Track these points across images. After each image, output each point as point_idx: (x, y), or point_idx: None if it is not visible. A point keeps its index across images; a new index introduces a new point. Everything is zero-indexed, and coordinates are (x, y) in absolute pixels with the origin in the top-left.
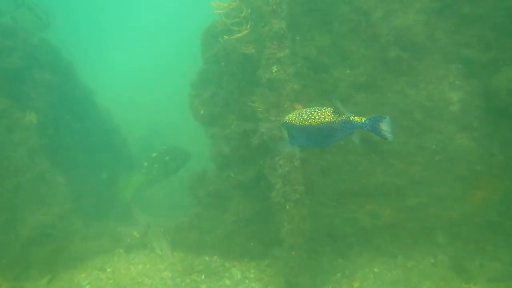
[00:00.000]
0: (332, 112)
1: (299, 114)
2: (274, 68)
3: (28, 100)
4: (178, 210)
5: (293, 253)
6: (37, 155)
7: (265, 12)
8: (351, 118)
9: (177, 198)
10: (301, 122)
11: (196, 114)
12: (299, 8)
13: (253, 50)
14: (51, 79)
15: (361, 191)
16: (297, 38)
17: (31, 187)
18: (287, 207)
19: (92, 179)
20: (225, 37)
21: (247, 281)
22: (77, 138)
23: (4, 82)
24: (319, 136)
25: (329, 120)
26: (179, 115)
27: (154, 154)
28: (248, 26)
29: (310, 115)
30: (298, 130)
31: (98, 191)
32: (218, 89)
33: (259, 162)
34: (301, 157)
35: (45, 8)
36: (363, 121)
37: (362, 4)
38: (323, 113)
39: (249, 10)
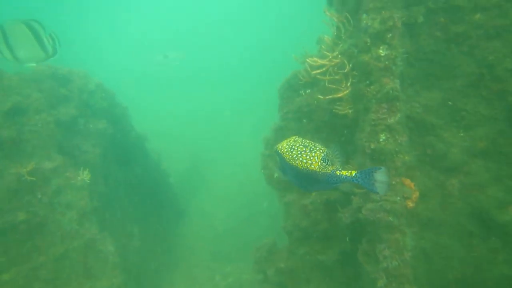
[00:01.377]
0: (321, 159)
1: (291, 147)
2: (382, 137)
3: (80, 153)
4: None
5: None
6: (86, 219)
7: (373, 68)
8: (338, 172)
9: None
10: (289, 159)
11: (269, 176)
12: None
13: (350, 110)
14: (105, 128)
15: (475, 284)
16: None
17: (78, 257)
18: None
19: (143, 239)
20: (319, 96)
21: None
22: (127, 191)
23: (58, 135)
24: (303, 179)
25: (314, 169)
26: (223, 152)
27: None
28: (349, 85)
29: (299, 154)
30: (286, 164)
31: (150, 253)
32: None
33: (345, 240)
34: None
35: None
36: (353, 174)
37: (487, 54)
38: (311, 158)
39: (351, 65)
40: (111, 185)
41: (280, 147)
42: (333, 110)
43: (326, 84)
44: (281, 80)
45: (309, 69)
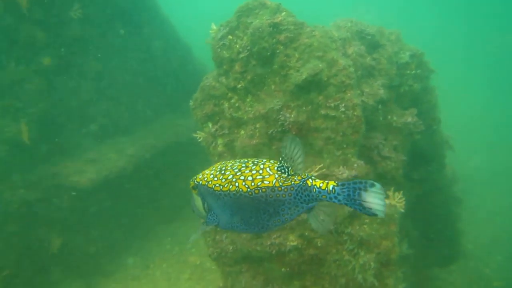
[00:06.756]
0: (277, 169)
1: (220, 169)
2: None
3: (380, 160)
4: None
5: None
6: (390, 272)
7: None
8: (310, 181)
9: None
10: (222, 185)
11: None
12: None
13: None
14: (414, 124)
15: None
16: None
17: None
18: None
19: None
20: None
21: None
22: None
23: (363, 128)
24: (253, 212)
25: (270, 185)
26: None
27: None
28: None
29: (238, 173)
30: (216, 198)
31: None
32: None
33: None
34: None
35: None
36: (330, 187)
37: None
38: (261, 170)
39: None
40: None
41: (201, 177)
42: None
43: None
44: None
45: None
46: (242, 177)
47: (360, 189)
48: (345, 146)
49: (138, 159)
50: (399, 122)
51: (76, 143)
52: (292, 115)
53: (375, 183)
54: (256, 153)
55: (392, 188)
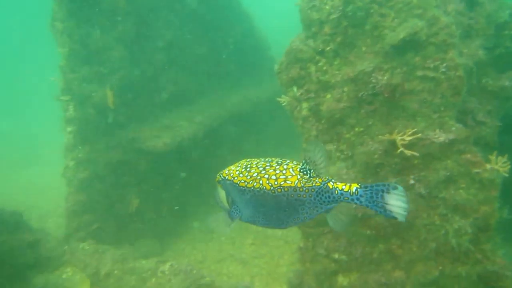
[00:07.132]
0: (300, 170)
1: (245, 168)
2: None
3: (475, 125)
4: None
5: None
6: (486, 237)
7: None
8: (331, 184)
9: None
10: (247, 182)
11: None
12: None
13: None
14: None
15: None
16: None
17: None
18: None
19: None
20: None
21: None
22: None
23: (464, 91)
24: (274, 209)
25: (292, 185)
26: None
27: None
28: None
29: (263, 171)
30: (241, 193)
31: None
32: None
33: None
34: None
35: None
36: (353, 189)
37: None
38: (284, 170)
39: None
40: None
41: (226, 173)
42: None
43: None
44: None
45: None
46: (266, 176)
47: (382, 191)
48: (442, 108)
49: (206, 127)
50: (495, 86)
51: (150, 110)
52: (385, 78)
53: (397, 185)
54: (343, 117)
55: (495, 152)
